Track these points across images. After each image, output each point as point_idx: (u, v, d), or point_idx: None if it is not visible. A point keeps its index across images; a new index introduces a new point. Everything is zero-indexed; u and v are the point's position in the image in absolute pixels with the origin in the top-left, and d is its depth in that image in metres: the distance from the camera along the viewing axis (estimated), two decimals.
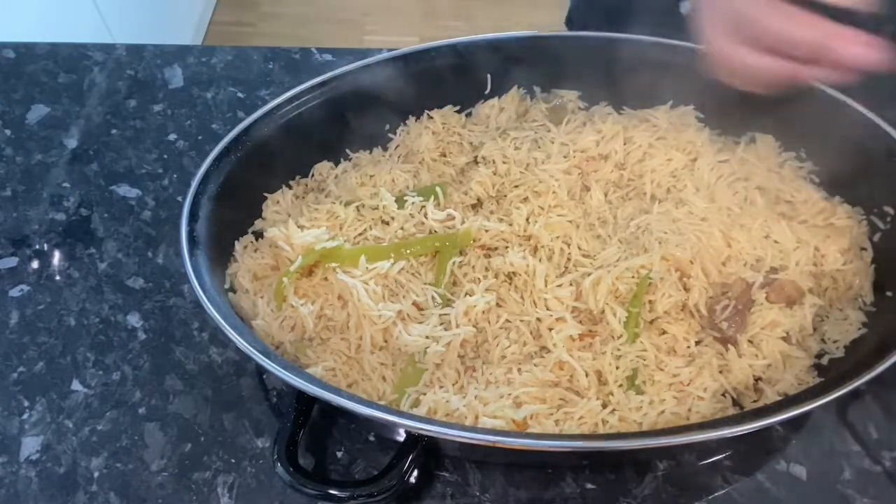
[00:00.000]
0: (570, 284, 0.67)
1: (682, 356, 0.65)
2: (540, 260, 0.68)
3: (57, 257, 0.80)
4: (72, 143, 0.91)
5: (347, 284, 0.65)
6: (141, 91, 0.97)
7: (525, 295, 0.67)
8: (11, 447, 0.66)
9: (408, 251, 0.69)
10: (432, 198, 0.73)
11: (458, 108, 0.84)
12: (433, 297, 0.67)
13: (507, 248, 0.70)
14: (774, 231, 0.69)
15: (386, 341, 0.66)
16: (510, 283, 0.68)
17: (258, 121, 0.74)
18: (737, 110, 0.77)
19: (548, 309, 0.66)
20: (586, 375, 0.63)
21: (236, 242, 0.73)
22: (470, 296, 0.66)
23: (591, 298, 0.66)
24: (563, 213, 0.72)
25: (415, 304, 0.68)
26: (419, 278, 0.69)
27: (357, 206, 0.73)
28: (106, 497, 0.63)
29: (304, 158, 0.80)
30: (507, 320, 0.67)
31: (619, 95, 0.82)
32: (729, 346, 0.64)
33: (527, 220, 0.71)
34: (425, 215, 0.72)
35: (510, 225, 0.71)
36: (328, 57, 1.01)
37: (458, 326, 0.65)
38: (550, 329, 0.66)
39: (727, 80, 0.61)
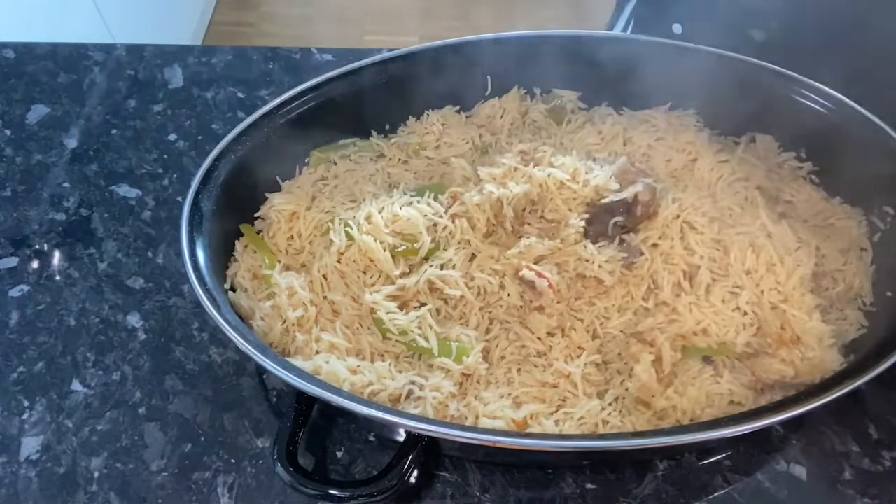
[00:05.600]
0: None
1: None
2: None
3: (57, 257, 0.80)
4: (72, 143, 0.91)
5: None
6: (141, 91, 0.97)
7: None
8: (11, 447, 0.66)
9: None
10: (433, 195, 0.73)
11: (458, 108, 0.84)
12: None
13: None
14: (775, 231, 0.69)
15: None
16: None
17: (258, 121, 0.74)
18: (737, 110, 0.77)
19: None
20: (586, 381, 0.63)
21: (236, 242, 0.73)
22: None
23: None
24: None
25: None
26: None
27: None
28: (106, 497, 0.63)
29: (304, 158, 0.80)
30: (507, 320, 0.67)
31: (619, 96, 0.82)
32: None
33: None
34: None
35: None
36: (328, 57, 1.01)
37: None
38: (550, 334, 0.66)
39: None
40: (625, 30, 1.05)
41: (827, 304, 0.68)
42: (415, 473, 0.57)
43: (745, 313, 0.64)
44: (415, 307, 0.67)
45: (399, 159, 0.81)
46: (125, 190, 0.86)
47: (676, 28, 0.92)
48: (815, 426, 0.65)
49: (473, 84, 0.83)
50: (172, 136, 0.91)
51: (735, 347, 0.64)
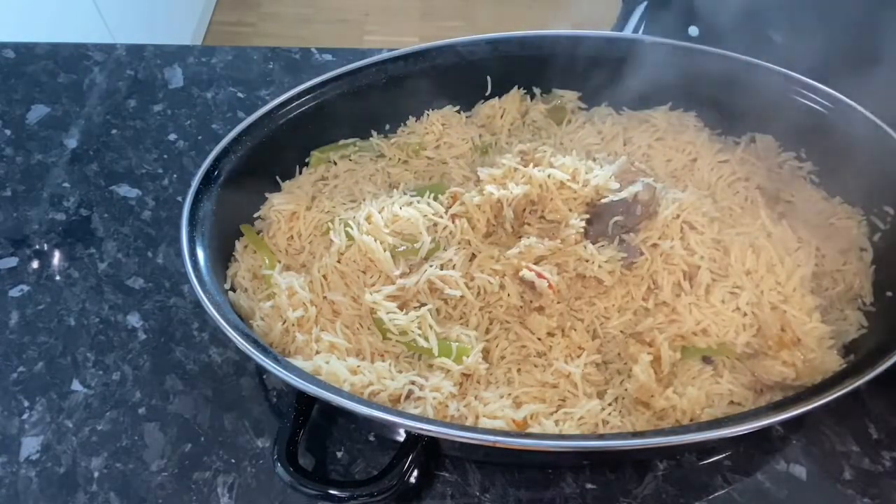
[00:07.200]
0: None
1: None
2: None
3: (57, 257, 0.80)
4: (72, 143, 0.91)
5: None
6: (141, 91, 0.97)
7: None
8: (11, 447, 0.66)
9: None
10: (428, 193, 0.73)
11: (457, 108, 0.84)
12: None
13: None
14: (775, 231, 0.69)
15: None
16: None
17: (258, 121, 0.74)
18: (737, 110, 0.77)
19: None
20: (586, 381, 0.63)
21: (236, 242, 0.73)
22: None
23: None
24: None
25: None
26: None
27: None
28: (106, 497, 0.63)
29: (304, 158, 0.80)
30: (507, 320, 0.67)
31: (619, 96, 0.81)
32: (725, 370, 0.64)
33: None
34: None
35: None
36: (328, 57, 1.01)
37: None
38: (550, 334, 0.66)
39: None
40: (634, 32, 1.05)
41: (827, 305, 0.68)
42: (415, 473, 0.57)
43: (745, 314, 0.64)
44: (415, 307, 0.67)
45: (399, 159, 0.81)
46: (125, 190, 0.86)
47: (693, 31, 0.92)
48: (815, 426, 0.65)
49: (473, 84, 0.83)
50: (172, 136, 0.91)
51: (735, 348, 0.64)
